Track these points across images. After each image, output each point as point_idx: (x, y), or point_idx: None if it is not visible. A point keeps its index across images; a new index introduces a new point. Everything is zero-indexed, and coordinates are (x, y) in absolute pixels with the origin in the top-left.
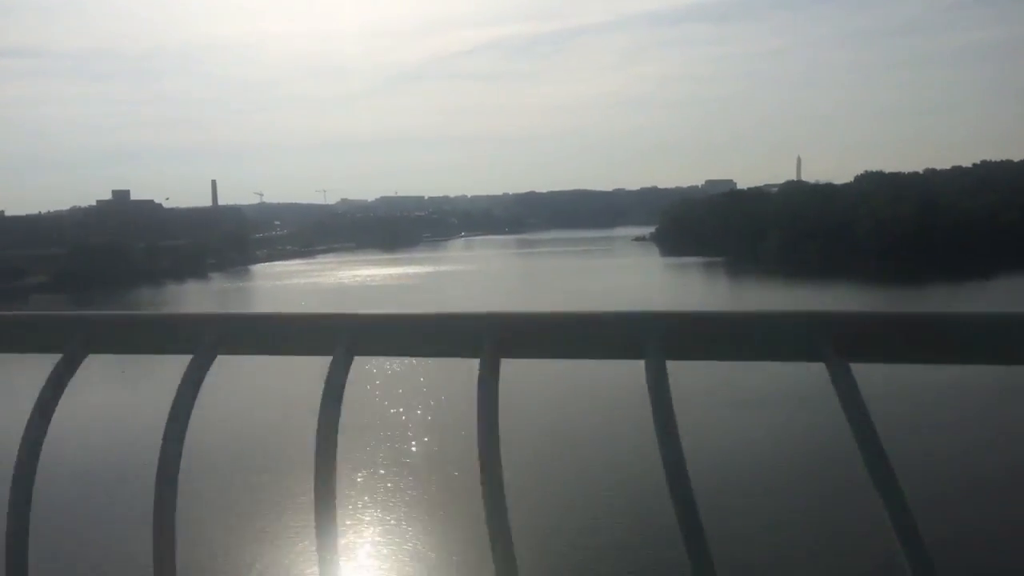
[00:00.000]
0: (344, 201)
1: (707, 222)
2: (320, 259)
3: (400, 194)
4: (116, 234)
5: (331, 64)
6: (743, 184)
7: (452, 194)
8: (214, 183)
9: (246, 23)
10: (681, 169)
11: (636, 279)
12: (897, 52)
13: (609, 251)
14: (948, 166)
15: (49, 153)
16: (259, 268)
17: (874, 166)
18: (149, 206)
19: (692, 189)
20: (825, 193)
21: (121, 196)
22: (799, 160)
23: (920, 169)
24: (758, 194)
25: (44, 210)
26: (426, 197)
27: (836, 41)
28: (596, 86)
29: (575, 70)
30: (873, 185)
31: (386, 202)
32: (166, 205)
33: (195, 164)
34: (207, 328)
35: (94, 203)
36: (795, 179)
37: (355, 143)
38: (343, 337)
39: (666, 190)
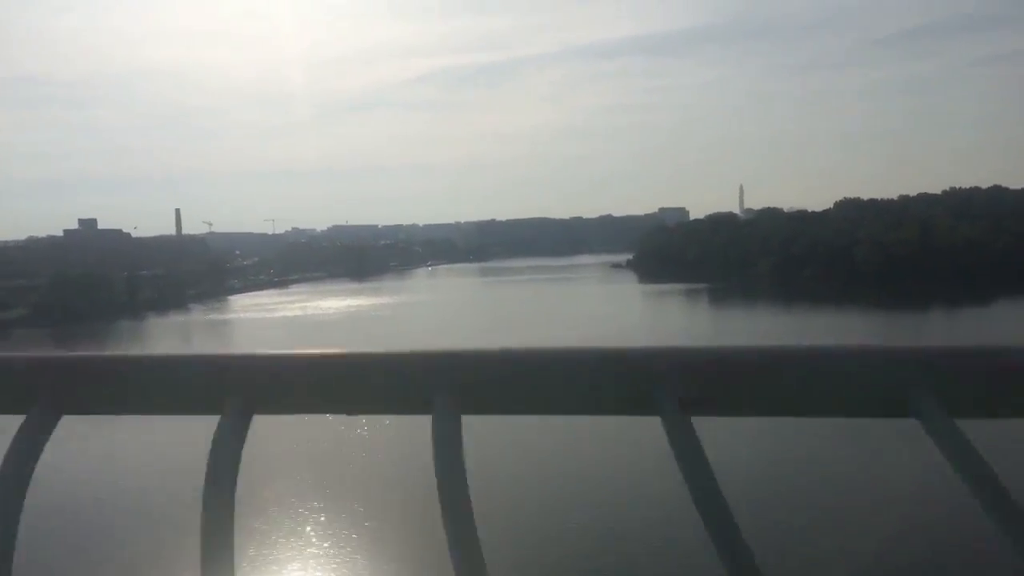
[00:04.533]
0: (295, 230)
1: (687, 249)
2: (294, 289)
3: (351, 223)
4: (90, 264)
5: (272, 93)
6: (695, 212)
7: (404, 222)
8: (178, 212)
9: (183, 51)
10: (634, 197)
11: (638, 308)
12: (828, 84)
13: (590, 278)
14: (914, 193)
15: None
16: (236, 299)
17: (816, 194)
18: (117, 235)
19: (648, 217)
20: (807, 219)
21: (88, 225)
22: (741, 188)
23: (894, 196)
24: (733, 220)
25: None
26: (380, 226)
27: (767, 74)
28: (540, 116)
29: (518, 100)
30: (854, 211)
31: (338, 231)
32: (134, 234)
33: (135, 193)
34: (44, 378)
35: (59, 232)
36: (739, 207)
37: (299, 172)
38: (238, 391)
39: (621, 218)
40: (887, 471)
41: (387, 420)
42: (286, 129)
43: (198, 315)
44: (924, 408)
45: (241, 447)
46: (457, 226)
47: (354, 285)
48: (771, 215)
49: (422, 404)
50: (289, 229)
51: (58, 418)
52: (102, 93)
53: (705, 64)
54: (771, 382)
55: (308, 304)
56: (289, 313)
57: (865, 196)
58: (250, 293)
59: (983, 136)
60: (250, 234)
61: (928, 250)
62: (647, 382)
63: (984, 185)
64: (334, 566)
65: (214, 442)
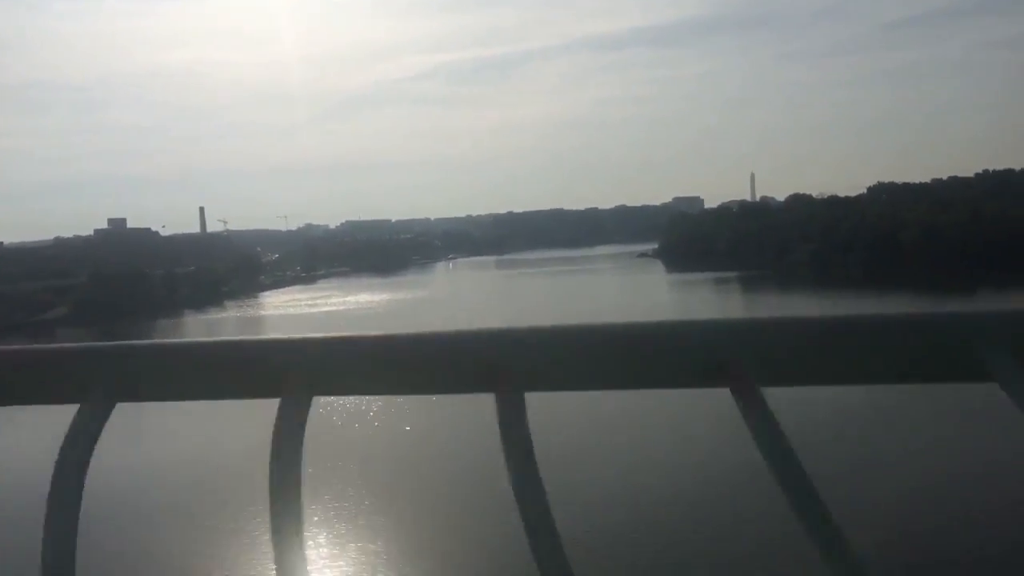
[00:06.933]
0: (308, 226)
1: (718, 237)
2: (321, 284)
3: (364, 218)
4: (121, 263)
5: (277, 91)
6: (708, 201)
7: (417, 216)
8: (202, 210)
9: (190, 52)
10: (646, 187)
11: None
12: (835, 72)
13: (615, 268)
14: (945, 176)
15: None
16: (269, 296)
17: (831, 179)
18: (146, 234)
19: (663, 207)
20: (841, 204)
21: (118, 224)
22: (752, 176)
23: (927, 179)
24: (764, 207)
25: (17, 240)
26: (393, 220)
27: (775, 62)
28: (548, 108)
29: (525, 93)
30: (889, 195)
31: (352, 226)
32: (162, 233)
33: (152, 192)
34: (98, 367)
35: (86, 232)
36: (751, 195)
37: (308, 169)
38: (298, 373)
39: (636, 208)
40: (964, 441)
41: (434, 399)
42: (292, 127)
43: (235, 311)
44: (1001, 369)
45: (303, 429)
46: (471, 219)
47: (380, 280)
48: (803, 201)
49: (485, 382)
50: (302, 225)
51: (112, 406)
52: (110, 96)
53: (711, 54)
54: (841, 351)
55: (344, 299)
56: (330, 308)
57: (893, 180)
58: (280, 289)
59: (1002, 119)
60: (264, 231)
61: (978, 233)
62: (715, 354)
63: (1017, 167)
64: (407, 550)
65: (276, 425)
